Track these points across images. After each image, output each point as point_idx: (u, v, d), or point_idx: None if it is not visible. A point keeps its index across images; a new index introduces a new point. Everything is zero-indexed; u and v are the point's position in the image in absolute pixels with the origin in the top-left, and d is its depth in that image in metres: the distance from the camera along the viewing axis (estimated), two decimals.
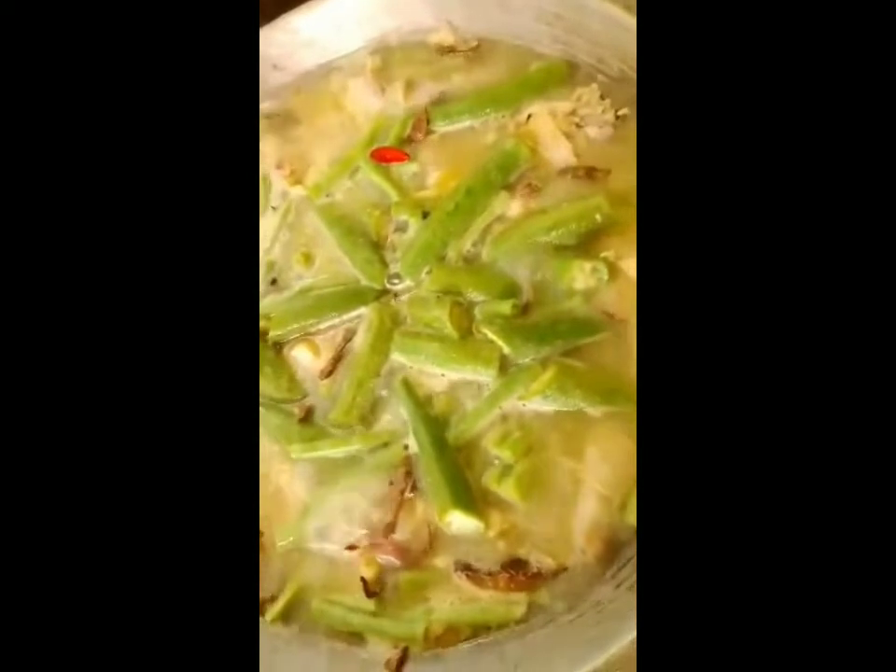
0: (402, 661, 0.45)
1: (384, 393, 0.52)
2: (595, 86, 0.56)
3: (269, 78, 0.62)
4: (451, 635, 0.46)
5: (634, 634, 0.40)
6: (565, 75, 0.58)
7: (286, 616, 0.49)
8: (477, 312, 0.52)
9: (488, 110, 0.59)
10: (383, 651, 0.46)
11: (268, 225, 0.60)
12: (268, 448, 0.52)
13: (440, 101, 0.61)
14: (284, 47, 0.62)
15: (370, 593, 0.47)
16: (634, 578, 0.43)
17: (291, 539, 0.50)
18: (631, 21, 0.54)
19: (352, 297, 0.55)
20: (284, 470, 0.52)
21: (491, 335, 0.51)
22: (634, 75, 0.55)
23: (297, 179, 0.61)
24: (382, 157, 0.59)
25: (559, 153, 0.55)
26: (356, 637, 0.47)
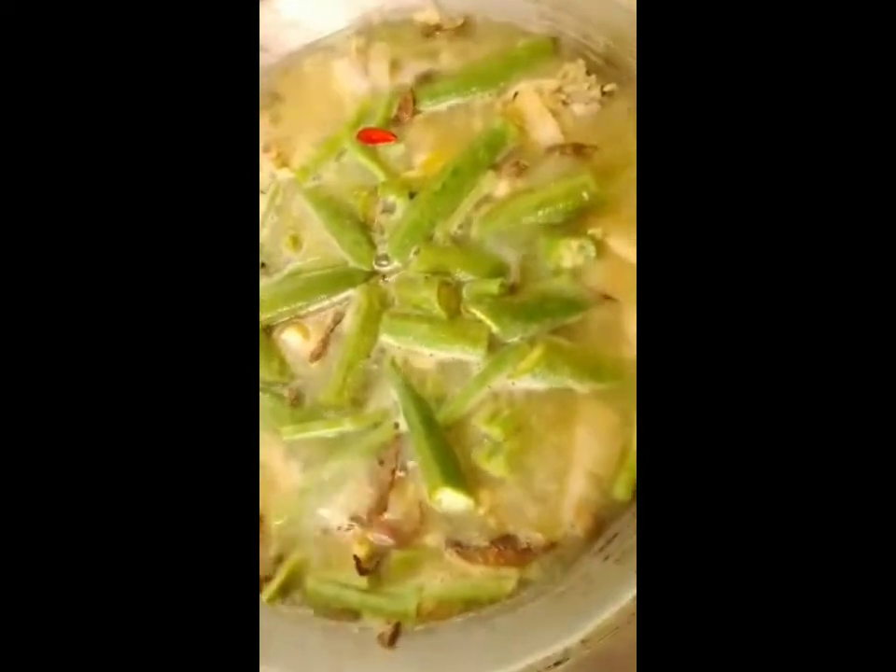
0: (395, 635, 0.46)
1: (374, 374, 0.53)
2: (581, 62, 0.56)
3: None
4: (443, 609, 0.47)
5: (620, 604, 0.41)
6: (551, 51, 0.58)
7: (282, 595, 0.49)
8: (465, 292, 0.52)
9: (475, 89, 0.58)
10: (376, 627, 0.47)
11: None
12: (261, 430, 0.53)
13: (426, 80, 0.60)
14: (268, 27, 0.61)
15: (362, 570, 0.48)
16: (621, 551, 0.44)
17: (285, 518, 0.51)
18: None
19: (340, 279, 0.55)
20: (276, 452, 0.53)
21: (479, 314, 0.51)
22: (619, 50, 0.55)
23: (283, 162, 0.60)
24: (368, 138, 0.58)
25: (546, 131, 0.55)
26: (350, 614, 0.48)
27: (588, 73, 0.56)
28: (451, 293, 0.52)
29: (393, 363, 0.52)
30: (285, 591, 0.49)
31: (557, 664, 0.40)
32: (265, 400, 0.53)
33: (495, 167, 0.55)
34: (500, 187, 0.54)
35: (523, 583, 0.46)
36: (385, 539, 0.48)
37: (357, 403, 0.52)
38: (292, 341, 0.55)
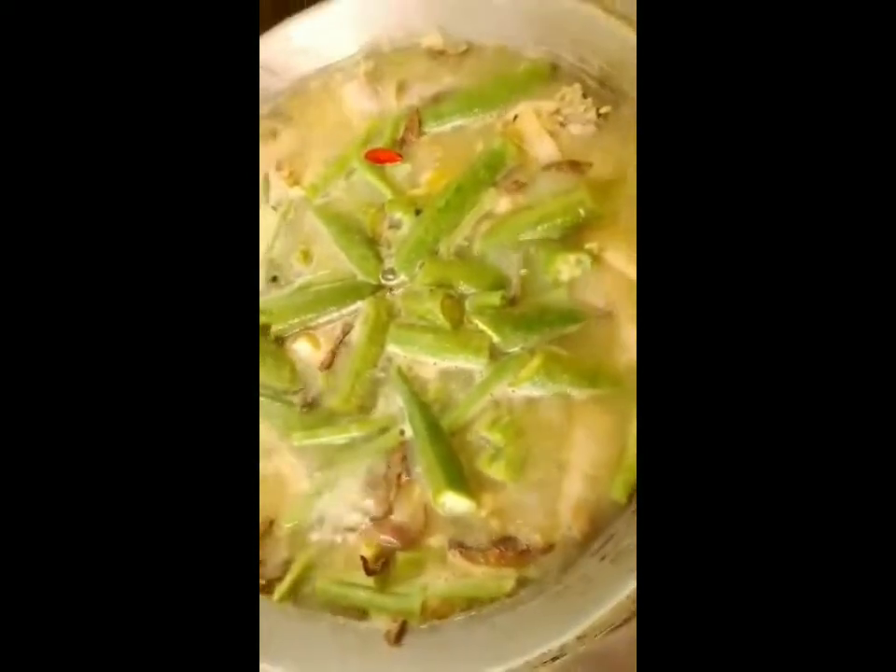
0: (401, 633, 0.48)
1: (381, 382, 0.55)
2: (577, 86, 0.58)
3: (267, 84, 0.65)
4: (446, 608, 0.48)
5: (615, 602, 0.42)
6: (548, 75, 0.61)
7: (292, 595, 0.51)
8: (468, 303, 0.54)
9: (477, 111, 0.61)
10: (382, 625, 0.49)
11: (268, 225, 0.62)
12: (272, 437, 0.55)
13: (431, 103, 0.63)
14: (280, 54, 0.64)
15: (369, 571, 0.50)
16: (616, 551, 0.45)
17: (296, 522, 0.53)
18: (610, 22, 0.56)
19: (349, 292, 0.58)
20: (287, 458, 0.55)
21: (481, 325, 0.53)
22: (615, 74, 0.57)
23: (295, 180, 0.63)
24: (376, 158, 0.61)
25: (544, 150, 0.57)
26: (357, 613, 0.50)
27: (584, 96, 0.58)
28: (454, 305, 0.54)
29: (399, 372, 0.54)
30: (295, 591, 0.51)
31: (554, 659, 0.42)
32: (276, 408, 0.56)
33: (496, 185, 0.57)
34: (501, 203, 0.57)
35: (522, 583, 0.47)
36: (391, 541, 0.50)
37: (365, 410, 0.54)
38: (303, 350, 0.57)
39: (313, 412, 0.55)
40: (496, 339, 0.52)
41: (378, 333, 0.56)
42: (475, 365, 0.53)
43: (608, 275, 0.53)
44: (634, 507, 0.47)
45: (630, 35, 0.55)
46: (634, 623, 0.47)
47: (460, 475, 0.50)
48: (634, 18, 0.55)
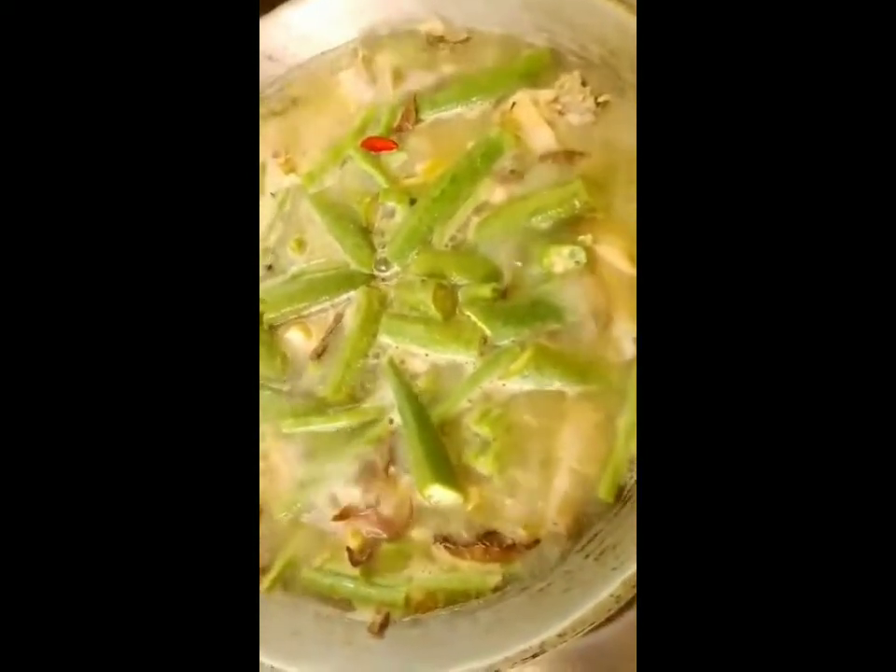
0: (384, 625, 0.48)
1: (372, 372, 0.55)
2: (576, 73, 0.57)
3: (264, 70, 0.64)
4: (429, 601, 0.48)
5: (597, 600, 0.42)
6: (548, 63, 0.59)
7: (279, 584, 0.51)
8: (460, 295, 0.54)
9: (474, 99, 0.60)
10: (367, 616, 0.49)
11: (265, 213, 0.62)
12: (261, 425, 0.55)
13: (429, 90, 0.62)
14: (278, 40, 0.64)
15: (354, 562, 0.50)
16: (601, 549, 0.45)
17: (285, 511, 0.53)
18: (612, 9, 0.54)
19: (342, 281, 0.57)
20: (276, 446, 0.55)
21: (473, 317, 0.52)
22: (615, 62, 0.56)
23: (291, 168, 0.63)
24: (372, 146, 0.60)
25: (541, 140, 0.56)
26: (342, 603, 0.50)
27: (583, 84, 0.57)
28: (446, 296, 0.54)
29: (390, 362, 0.54)
30: (281, 580, 0.51)
31: (534, 656, 0.42)
32: (267, 396, 0.56)
33: (491, 175, 0.56)
34: (496, 194, 0.56)
35: (507, 579, 0.47)
36: (376, 532, 0.50)
37: (355, 400, 0.54)
38: (295, 339, 0.57)
39: (303, 400, 0.55)
40: (487, 331, 0.52)
41: (370, 323, 0.55)
42: (466, 357, 0.52)
43: (600, 269, 0.52)
44: (620, 505, 0.47)
45: (631, 23, 0.54)
46: (622, 621, 0.47)
47: (447, 467, 0.49)
48: (635, 4, 0.54)
